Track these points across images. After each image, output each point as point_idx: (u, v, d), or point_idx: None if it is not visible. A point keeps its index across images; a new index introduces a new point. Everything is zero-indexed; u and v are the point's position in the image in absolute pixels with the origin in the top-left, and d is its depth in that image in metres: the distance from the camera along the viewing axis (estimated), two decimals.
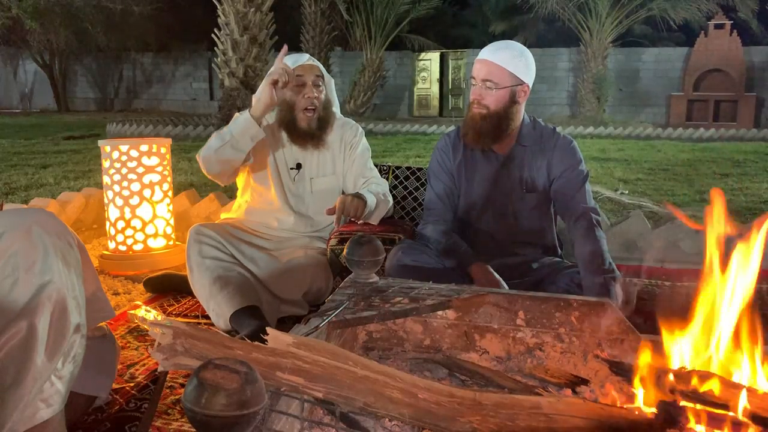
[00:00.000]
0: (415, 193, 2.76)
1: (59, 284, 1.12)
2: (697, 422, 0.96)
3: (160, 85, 19.61)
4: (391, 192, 2.74)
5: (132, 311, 2.28)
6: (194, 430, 0.76)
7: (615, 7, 13.89)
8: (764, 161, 7.56)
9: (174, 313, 2.32)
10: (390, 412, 0.97)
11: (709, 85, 14.00)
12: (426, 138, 10.80)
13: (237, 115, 2.27)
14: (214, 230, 2.18)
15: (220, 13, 10.84)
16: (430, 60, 17.10)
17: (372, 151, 2.51)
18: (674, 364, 1.13)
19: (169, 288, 2.52)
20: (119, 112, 17.90)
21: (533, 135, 2.10)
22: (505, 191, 2.10)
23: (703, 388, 0.99)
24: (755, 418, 0.95)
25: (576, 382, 1.37)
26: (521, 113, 2.07)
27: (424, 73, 17.19)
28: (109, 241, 2.98)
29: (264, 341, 0.99)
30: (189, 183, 5.34)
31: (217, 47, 11.05)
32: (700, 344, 1.13)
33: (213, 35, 11.06)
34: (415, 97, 17.29)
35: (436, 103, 17.15)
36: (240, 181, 2.41)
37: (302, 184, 2.35)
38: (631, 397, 1.16)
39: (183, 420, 1.52)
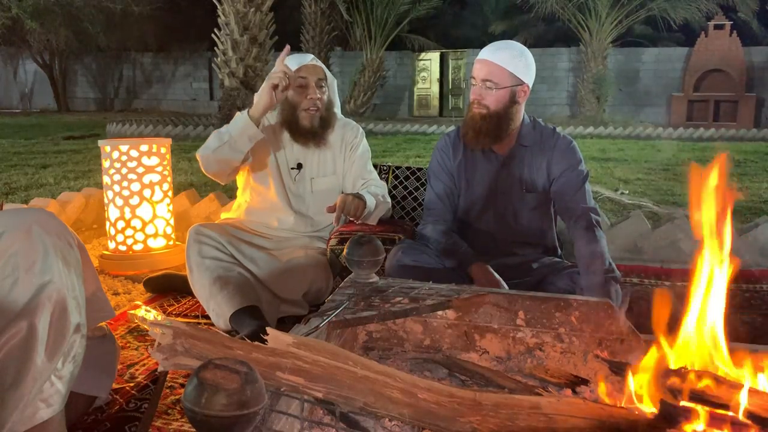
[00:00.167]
0: (415, 193, 2.76)
1: (59, 284, 1.12)
2: (698, 422, 0.96)
3: (160, 85, 19.62)
4: (391, 192, 2.74)
5: (132, 311, 2.28)
6: (194, 430, 0.76)
7: (615, 7, 13.89)
8: (764, 161, 7.56)
9: (174, 313, 2.32)
10: (390, 412, 0.97)
11: (709, 85, 14.01)
12: (426, 138, 10.80)
13: (238, 114, 2.27)
14: (213, 230, 2.18)
15: (220, 13, 10.84)
16: (430, 60, 17.11)
17: (372, 151, 2.51)
18: (674, 364, 1.13)
19: (169, 288, 2.52)
20: (119, 112, 17.90)
21: (533, 135, 2.10)
22: (505, 191, 2.10)
23: (703, 388, 0.99)
24: (755, 418, 0.95)
25: (576, 382, 1.37)
26: (521, 113, 2.07)
27: (424, 73, 17.19)
28: (109, 241, 2.98)
29: (264, 341, 0.99)
30: (189, 183, 5.34)
31: (217, 47, 11.05)
32: (699, 344, 1.13)
33: (213, 35, 11.06)
34: (415, 97, 17.29)
35: (436, 103, 17.15)
36: (240, 180, 2.41)
37: (303, 183, 2.36)
38: (631, 397, 1.15)
39: (183, 420, 1.52)
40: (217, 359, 0.78)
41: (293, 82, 2.13)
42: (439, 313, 1.57)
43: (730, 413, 0.96)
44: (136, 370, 1.81)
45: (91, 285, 1.29)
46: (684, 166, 6.91)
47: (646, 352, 1.15)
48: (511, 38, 8.92)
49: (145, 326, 2.15)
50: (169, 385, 1.71)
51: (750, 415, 0.95)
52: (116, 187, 2.87)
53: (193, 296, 2.18)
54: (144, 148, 2.87)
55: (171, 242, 3.02)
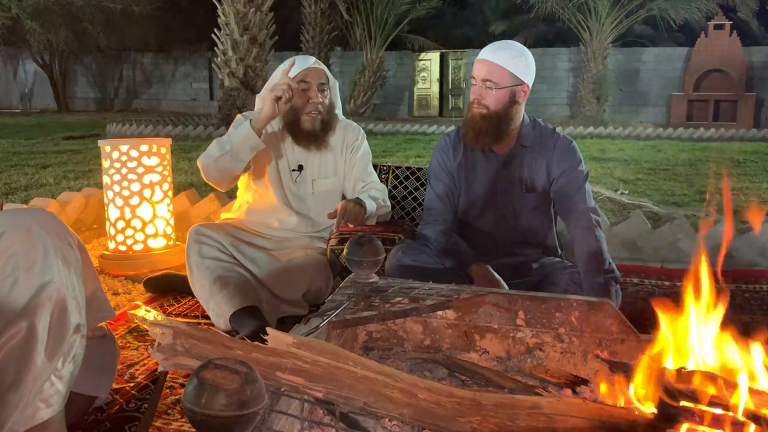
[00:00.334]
0: (415, 193, 2.76)
1: (59, 284, 1.12)
2: (697, 422, 0.96)
3: (160, 85, 19.62)
4: (391, 192, 2.74)
5: (132, 311, 2.28)
6: (194, 430, 0.76)
7: (615, 7, 13.89)
8: (764, 161, 7.56)
9: (174, 313, 2.32)
10: (390, 412, 0.97)
11: (709, 85, 14.01)
12: (426, 138, 10.80)
13: (239, 116, 2.27)
14: (213, 230, 2.18)
15: (220, 13, 10.84)
16: (430, 60, 17.11)
17: (372, 151, 2.51)
18: (674, 364, 1.13)
19: (169, 288, 2.52)
20: (119, 112, 17.90)
21: (533, 135, 2.10)
22: (505, 191, 2.10)
23: (703, 388, 0.99)
24: (755, 418, 0.95)
25: (576, 382, 1.37)
26: (521, 113, 2.07)
27: (424, 73, 17.19)
28: (109, 241, 2.98)
29: (264, 341, 0.99)
30: (189, 183, 5.34)
31: (217, 47, 11.05)
32: (699, 343, 1.13)
33: (213, 35, 11.06)
34: (415, 97, 17.29)
35: (436, 103, 17.15)
36: (241, 181, 2.41)
37: (304, 185, 2.36)
38: (630, 397, 1.15)
39: (183, 420, 1.52)
40: (217, 359, 0.78)
41: (296, 95, 2.13)
42: (439, 313, 1.57)
43: (730, 413, 0.96)
44: (136, 370, 1.81)
45: (91, 285, 1.29)
46: (684, 167, 6.92)
47: (645, 352, 1.15)
48: (511, 38, 8.92)
49: (145, 326, 2.15)
50: (169, 385, 1.71)
51: (750, 414, 0.95)
52: (116, 187, 2.87)
53: (193, 296, 2.18)
54: (144, 148, 2.87)
55: (171, 242, 3.02)
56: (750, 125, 13.07)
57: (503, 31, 16.03)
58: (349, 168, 2.40)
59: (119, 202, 2.88)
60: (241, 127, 2.13)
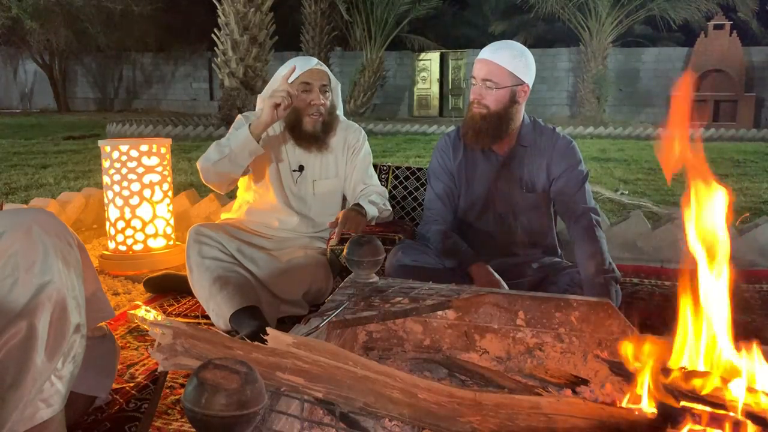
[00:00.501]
0: (415, 193, 2.76)
1: (59, 284, 1.12)
2: (697, 422, 0.96)
3: (160, 85, 19.62)
4: (391, 192, 2.74)
5: (132, 311, 2.28)
6: (194, 430, 0.76)
7: (615, 7, 13.89)
8: (764, 161, 7.56)
9: (174, 313, 2.32)
10: (390, 412, 0.97)
11: (709, 85, 14.01)
12: (426, 138, 10.80)
13: (239, 117, 2.27)
14: (214, 230, 2.18)
15: (220, 13, 10.84)
16: (430, 60, 17.11)
17: (372, 151, 2.51)
18: (674, 364, 1.13)
19: (169, 288, 2.52)
20: (119, 112, 17.90)
21: (533, 135, 2.10)
22: (505, 191, 2.10)
23: (703, 388, 0.99)
24: (755, 418, 0.95)
25: (576, 382, 1.37)
26: (521, 113, 2.07)
27: (424, 73, 17.19)
28: (109, 241, 2.98)
29: (264, 341, 0.99)
30: (189, 183, 5.34)
31: (217, 47, 11.05)
32: (698, 343, 1.13)
33: (213, 35, 11.07)
34: (415, 97, 17.29)
35: (436, 103, 17.15)
36: (241, 181, 2.40)
37: (304, 186, 2.35)
38: (630, 397, 1.15)
39: (183, 420, 1.52)
40: (217, 359, 0.78)
41: (295, 101, 2.13)
42: (439, 313, 1.57)
43: (730, 413, 0.96)
44: (136, 370, 1.81)
45: (91, 285, 1.29)
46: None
47: (645, 352, 1.15)
48: (511, 38, 8.92)
49: (145, 326, 2.15)
50: (169, 385, 1.71)
51: (749, 414, 0.95)
52: (116, 187, 2.87)
53: (193, 296, 2.18)
54: (144, 148, 2.87)
55: (171, 242, 3.02)
56: (750, 125, 13.06)
57: (503, 31, 16.04)
58: (350, 169, 2.40)
59: (119, 202, 2.88)
60: (240, 132, 2.13)
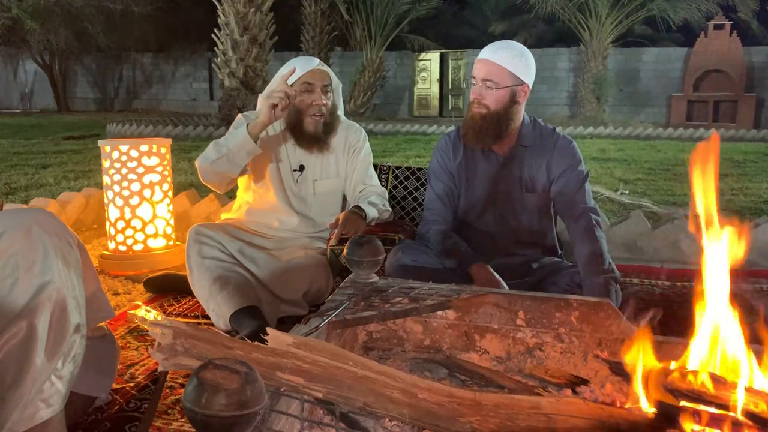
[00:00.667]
0: (415, 193, 2.76)
1: (59, 284, 1.12)
2: (697, 422, 0.96)
3: (160, 85, 19.62)
4: (391, 192, 2.74)
5: (132, 311, 2.28)
6: (194, 430, 0.76)
7: (615, 7, 13.89)
8: (764, 161, 7.56)
9: (174, 313, 2.32)
10: (390, 412, 0.97)
11: (709, 85, 14.01)
12: (426, 138, 10.80)
13: (239, 116, 2.27)
14: (214, 230, 2.18)
15: (220, 13, 10.84)
16: (430, 60, 17.11)
17: (372, 151, 2.50)
18: (674, 364, 1.13)
19: (169, 288, 2.52)
20: (119, 112, 17.90)
21: (533, 135, 2.10)
22: (505, 191, 2.10)
23: (703, 388, 0.99)
24: (755, 418, 0.95)
25: (576, 382, 1.37)
26: (521, 113, 2.07)
27: (424, 73, 17.19)
28: (109, 241, 2.98)
29: (264, 341, 0.99)
30: (189, 183, 5.34)
31: (217, 47, 11.05)
32: (699, 344, 1.13)
33: (213, 35, 11.06)
34: (415, 97, 17.29)
35: (436, 103, 17.16)
36: (241, 181, 2.40)
37: (305, 186, 2.35)
38: (630, 397, 1.15)
39: (183, 420, 1.52)
40: (217, 359, 0.78)
41: (293, 102, 2.13)
42: (439, 313, 1.57)
43: (730, 413, 0.96)
44: (136, 370, 1.81)
45: (91, 285, 1.29)
46: (684, 167, 6.89)
47: (645, 352, 1.15)
48: (511, 38, 8.92)
49: (145, 326, 2.15)
50: (169, 385, 1.71)
51: (749, 415, 0.95)
52: (116, 187, 2.87)
53: (193, 296, 2.18)
54: (144, 148, 2.87)
55: (171, 242, 3.02)
56: (750, 125, 13.07)
57: (503, 31, 16.04)
58: (351, 169, 2.40)
59: (119, 202, 2.88)
60: (238, 132, 2.13)
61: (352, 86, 15.76)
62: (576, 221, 2.00)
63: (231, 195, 3.15)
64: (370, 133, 2.60)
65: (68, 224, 2.00)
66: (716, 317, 1.12)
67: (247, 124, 2.12)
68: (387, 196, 2.43)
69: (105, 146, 2.87)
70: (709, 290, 1.12)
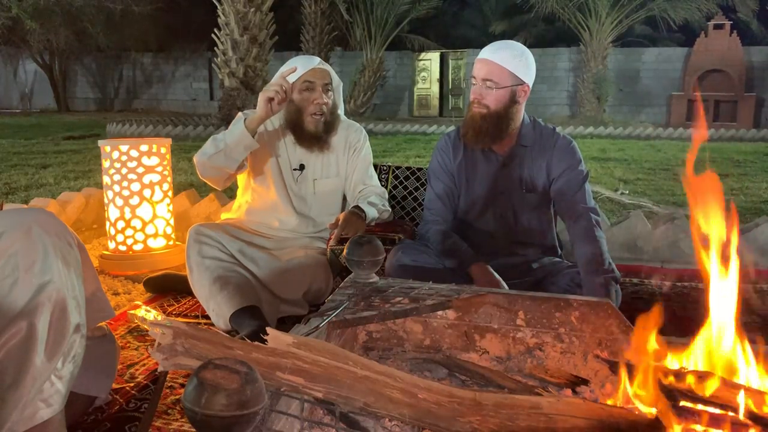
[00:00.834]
0: (415, 193, 2.76)
1: (59, 284, 1.12)
2: (697, 422, 0.96)
3: (160, 85, 19.62)
4: (391, 192, 2.74)
5: (132, 311, 2.28)
6: (194, 430, 0.76)
7: (615, 7, 13.90)
8: (764, 161, 7.56)
9: (174, 313, 2.32)
10: (390, 412, 0.97)
11: (709, 85, 14.01)
12: (426, 138, 10.80)
13: (239, 114, 2.27)
14: (214, 230, 2.18)
15: (220, 13, 10.84)
16: (430, 60, 17.11)
17: (372, 151, 2.51)
18: (674, 364, 1.13)
19: (169, 288, 2.52)
20: (119, 112, 17.90)
21: (533, 135, 2.10)
22: (505, 191, 2.10)
23: (703, 389, 0.99)
24: (755, 418, 0.95)
25: (576, 382, 1.37)
26: (521, 113, 2.07)
27: (424, 73, 17.19)
28: (109, 241, 2.98)
29: (264, 341, 0.99)
30: (189, 183, 5.34)
31: (217, 47, 11.05)
32: (699, 344, 1.13)
33: (213, 35, 11.07)
34: (415, 97, 17.29)
35: (436, 103, 17.15)
36: (241, 181, 2.41)
37: (305, 185, 2.35)
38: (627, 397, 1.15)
39: (183, 420, 1.52)
40: (217, 359, 0.78)
41: (290, 96, 2.12)
42: (439, 313, 1.57)
43: (730, 413, 0.96)
44: (136, 370, 1.81)
45: (91, 285, 1.29)
46: (684, 167, 6.89)
47: (646, 352, 1.15)
48: (511, 38, 8.94)
49: (145, 326, 2.14)
50: (169, 385, 1.71)
51: (750, 415, 0.95)
52: (116, 187, 2.87)
53: (193, 296, 2.18)
54: (144, 148, 2.87)
55: (171, 242, 3.02)
56: (750, 125, 13.07)
57: (503, 31, 16.04)
58: (351, 169, 2.40)
59: (119, 202, 2.88)
60: (235, 127, 2.13)
61: (352, 86, 15.76)
62: (576, 221, 2.00)
63: (231, 195, 3.15)
64: (370, 133, 2.59)
65: (68, 224, 2.00)
66: (716, 318, 1.12)
67: (245, 119, 2.12)
68: (387, 196, 2.43)
69: (105, 146, 2.87)
70: (712, 292, 1.12)
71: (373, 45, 15.84)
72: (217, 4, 10.86)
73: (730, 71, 13.71)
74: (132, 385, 1.71)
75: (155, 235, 2.95)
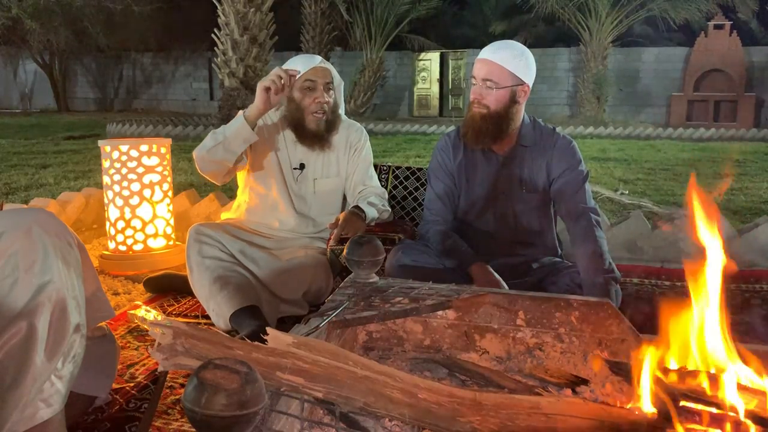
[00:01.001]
0: (415, 193, 2.76)
1: (59, 284, 1.12)
2: (697, 422, 0.96)
3: (160, 85, 19.62)
4: (391, 192, 2.74)
5: (132, 311, 2.28)
6: (194, 430, 0.76)
7: (615, 7, 13.90)
8: (764, 161, 7.56)
9: (174, 313, 2.32)
10: (390, 412, 0.97)
11: (709, 85, 14.01)
12: (426, 138, 10.80)
13: (240, 113, 2.27)
14: (214, 230, 2.18)
15: (220, 13, 10.84)
16: (430, 60, 17.11)
17: (372, 151, 2.50)
18: (674, 364, 1.13)
19: (169, 288, 2.52)
20: (119, 112, 17.90)
21: (533, 135, 2.10)
22: (505, 191, 2.10)
23: (703, 389, 0.99)
24: (755, 418, 0.95)
25: (576, 382, 1.37)
26: (521, 113, 2.07)
27: (424, 73, 17.19)
28: (109, 241, 2.98)
29: (264, 341, 0.99)
30: (189, 183, 5.34)
31: (217, 47, 11.05)
32: (699, 343, 1.13)
33: (213, 35, 11.07)
34: (415, 97, 17.29)
35: (436, 103, 17.15)
36: (240, 180, 2.41)
37: (305, 184, 2.35)
38: (631, 397, 1.15)
39: (183, 420, 1.52)
40: (217, 359, 0.78)
41: (287, 85, 2.12)
42: (439, 313, 1.57)
43: (730, 413, 0.96)
44: (136, 370, 1.81)
45: (91, 285, 1.29)
46: (684, 167, 6.92)
47: (646, 353, 1.15)
48: (511, 38, 8.90)
49: (145, 326, 2.15)
50: (169, 385, 1.71)
51: (750, 415, 0.95)
52: (116, 187, 2.87)
53: (193, 296, 2.18)
54: (144, 148, 2.87)
55: (171, 242, 3.02)
56: (750, 125, 13.07)
57: (503, 31, 16.03)
58: (352, 169, 2.39)
59: (119, 202, 2.88)
60: (235, 119, 2.13)
61: (353, 86, 15.76)
62: (576, 221, 2.00)
63: (231, 195, 3.15)
64: (371, 133, 2.59)
65: (68, 224, 2.00)
66: (714, 318, 1.12)
67: (244, 112, 2.12)
68: (387, 196, 2.43)
69: (105, 146, 2.87)
70: (705, 291, 1.12)
71: (373, 45, 15.84)
72: (217, 4, 10.86)
73: (730, 71, 13.71)
74: (132, 385, 1.71)
75: (155, 235, 2.95)
